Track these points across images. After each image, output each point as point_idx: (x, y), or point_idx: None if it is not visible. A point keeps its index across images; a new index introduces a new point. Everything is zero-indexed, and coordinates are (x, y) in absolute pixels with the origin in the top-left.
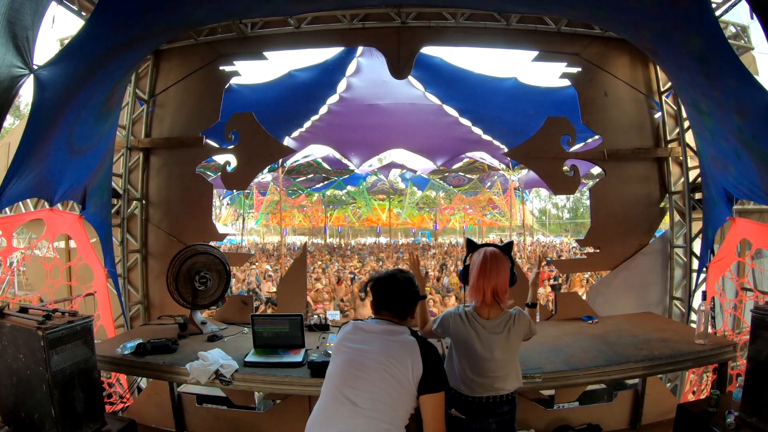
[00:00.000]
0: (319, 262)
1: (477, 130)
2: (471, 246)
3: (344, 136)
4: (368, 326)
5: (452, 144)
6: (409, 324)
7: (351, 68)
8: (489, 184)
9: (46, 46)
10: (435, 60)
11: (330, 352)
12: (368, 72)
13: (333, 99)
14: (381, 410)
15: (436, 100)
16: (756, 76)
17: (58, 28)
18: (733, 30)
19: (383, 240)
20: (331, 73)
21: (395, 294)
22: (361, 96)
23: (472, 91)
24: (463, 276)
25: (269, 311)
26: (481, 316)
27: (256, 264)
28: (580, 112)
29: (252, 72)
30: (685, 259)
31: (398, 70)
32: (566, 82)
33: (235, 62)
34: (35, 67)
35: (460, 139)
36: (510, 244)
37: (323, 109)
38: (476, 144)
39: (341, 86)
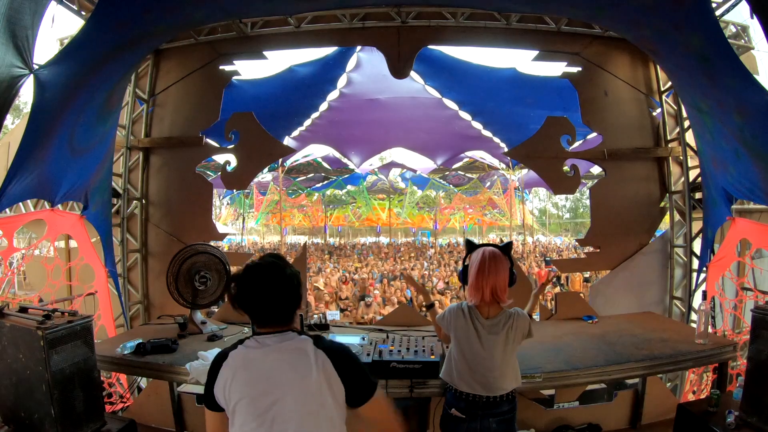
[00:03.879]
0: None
1: (477, 125)
2: (470, 246)
3: (344, 133)
4: (262, 357)
5: (452, 140)
6: (296, 322)
7: (351, 63)
8: (489, 183)
9: (47, 46)
10: (434, 53)
11: None
12: (368, 67)
13: (333, 95)
14: None
15: (435, 94)
16: (756, 76)
17: (58, 28)
18: (733, 30)
19: (383, 240)
20: (331, 68)
21: (272, 299)
22: (361, 91)
23: (472, 82)
24: (463, 276)
25: None
26: (481, 314)
27: None
28: (579, 105)
29: (252, 67)
30: (685, 259)
31: (398, 70)
32: None
33: (235, 62)
34: (35, 67)
35: (460, 134)
36: (509, 244)
37: (323, 106)
38: (476, 141)
39: (341, 82)
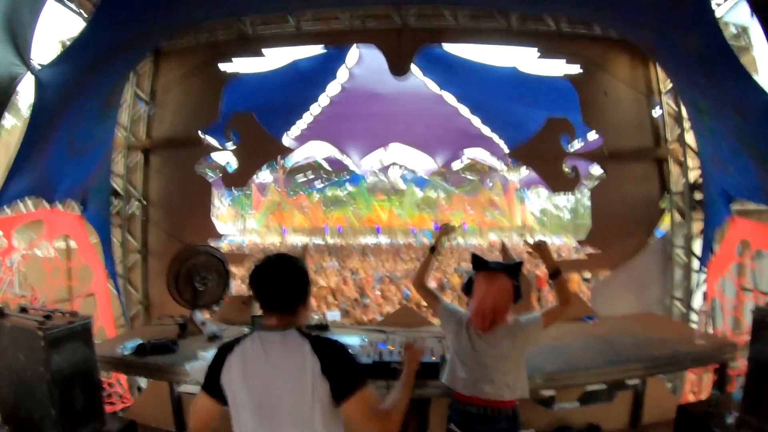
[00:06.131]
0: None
1: (477, 122)
2: (478, 264)
3: (345, 128)
4: (267, 358)
5: (452, 137)
6: (301, 318)
7: (352, 57)
8: (489, 184)
9: (48, 48)
10: (435, 49)
11: None
12: (368, 60)
13: (334, 89)
14: None
15: (435, 88)
16: (756, 76)
17: (60, 30)
18: (734, 30)
19: (384, 240)
20: (332, 59)
21: (280, 282)
22: (362, 84)
23: (472, 77)
24: (466, 288)
25: None
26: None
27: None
28: (579, 104)
29: (254, 62)
30: (685, 259)
31: (398, 69)
32: None
33: (234, 59)
34: (36, 67)
35: (460, 131)
36: (519, 265)
37: (324, 100)
38: (476, 139)
39: (342, 75)
